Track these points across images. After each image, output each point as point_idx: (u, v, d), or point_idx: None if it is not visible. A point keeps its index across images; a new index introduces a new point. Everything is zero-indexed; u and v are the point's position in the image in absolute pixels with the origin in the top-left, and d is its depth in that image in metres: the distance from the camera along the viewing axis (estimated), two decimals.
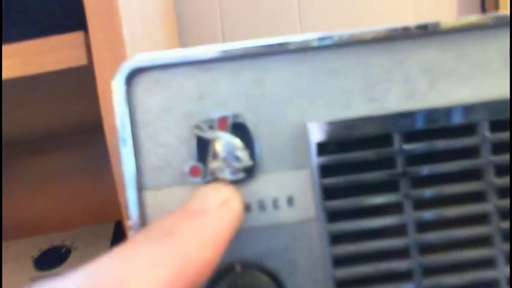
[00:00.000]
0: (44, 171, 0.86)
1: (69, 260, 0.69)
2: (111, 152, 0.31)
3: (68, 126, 0.76)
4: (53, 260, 0.70)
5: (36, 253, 0.72)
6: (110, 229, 0.73)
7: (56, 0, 0.33)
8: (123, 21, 0.29)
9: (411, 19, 0.79)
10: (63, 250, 0.71)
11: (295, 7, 0.78)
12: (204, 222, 0.17)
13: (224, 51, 0.20)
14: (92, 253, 0.70)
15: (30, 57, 0.30)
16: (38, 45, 0.30)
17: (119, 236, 0.74)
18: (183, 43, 0.83)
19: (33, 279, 0.67)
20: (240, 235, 0.20)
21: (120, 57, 0.28)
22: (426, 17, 0.77)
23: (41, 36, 0.30)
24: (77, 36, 0.29)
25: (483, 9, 0.77)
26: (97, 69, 0.29)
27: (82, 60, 0.29)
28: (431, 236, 0.20)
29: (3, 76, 0.33)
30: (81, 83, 0.36)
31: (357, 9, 0.78)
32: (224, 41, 0.85)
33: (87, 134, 0.80)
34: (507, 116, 0.21)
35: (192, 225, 0.17)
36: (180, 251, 0.16)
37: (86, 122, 0.73)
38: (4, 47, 0.33)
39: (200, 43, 0.86)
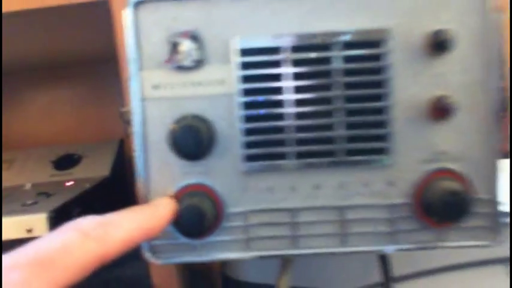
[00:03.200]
0: (60, 95, 1.02)
1: (81, 164, 0.85)
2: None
3: (80, 57, 0.91)
4: (68, 163, 0.85)
5: (54, 157, 0.87)
6: (114, 144, 0.89)
7: None
8: None
9: None
10: (76, 157, 0.87)
11: None
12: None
13: None
14: (100, 160, 0.86)
15: None
16: None
17: (121, 150, 0.90)
18: None
19: (53, 176, 0.82)
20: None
21: None
22: None
23: None
24: None
25: None
26: (114, 4, 0.45)
27: None
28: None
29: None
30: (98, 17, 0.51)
31: None
32: None
33: (97, 64, 0.96)
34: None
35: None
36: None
37: (97, 54, 0.88)
38: None
39: None
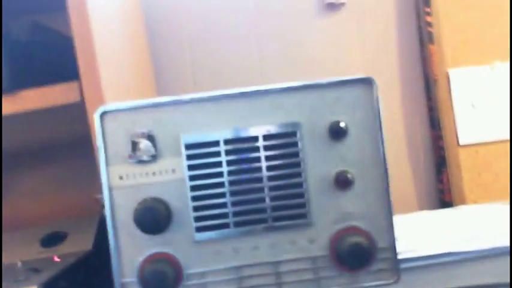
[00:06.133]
0: (45, 178, 1.12)
1: (66, 240, 0.94)
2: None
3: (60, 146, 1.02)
4: (54, 240, 0.94)
5: (41, 236, 0.95)
6: (95, 220, 0.98)
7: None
8: (102, 73, 0.56)
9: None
10: (61, 234, 0.95)
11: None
12: None
13: (140, 105, 0.46)
14: (83, 235, 0.95)
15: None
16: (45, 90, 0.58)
17: (102, 226, 0.98)
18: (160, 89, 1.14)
19: (40, 253, 0.90)
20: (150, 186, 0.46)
21: (99, 97, 0.55)
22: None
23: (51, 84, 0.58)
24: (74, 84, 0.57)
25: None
26: (88, 104, 0.57)
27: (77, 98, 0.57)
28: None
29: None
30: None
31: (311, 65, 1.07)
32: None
33: (75, 150, 1.06)
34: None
35: None
36: None
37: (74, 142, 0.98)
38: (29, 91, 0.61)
39: (174, 88, 1.16)
